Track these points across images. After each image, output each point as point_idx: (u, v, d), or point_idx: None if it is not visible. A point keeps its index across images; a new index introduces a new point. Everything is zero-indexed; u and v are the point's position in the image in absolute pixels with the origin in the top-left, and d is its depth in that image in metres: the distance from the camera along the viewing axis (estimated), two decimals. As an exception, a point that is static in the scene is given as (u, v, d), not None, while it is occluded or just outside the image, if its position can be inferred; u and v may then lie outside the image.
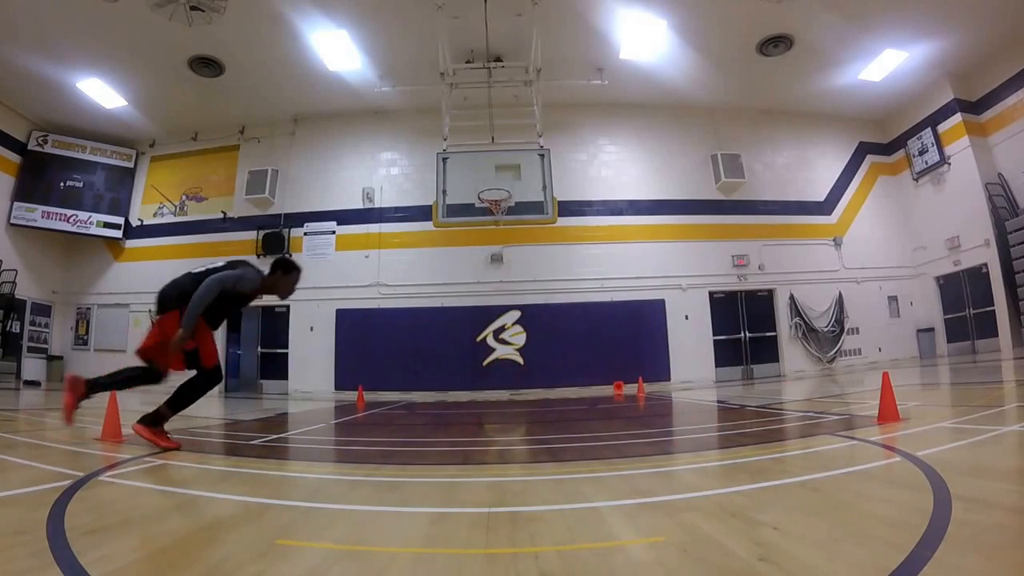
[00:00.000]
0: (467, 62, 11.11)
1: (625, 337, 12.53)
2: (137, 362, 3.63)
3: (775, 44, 11.44)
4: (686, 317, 12.89)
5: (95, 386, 3.67)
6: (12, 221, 12.91)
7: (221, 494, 2.24)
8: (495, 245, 12.92)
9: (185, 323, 3.33)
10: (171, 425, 3.51)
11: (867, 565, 1.22)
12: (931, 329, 13.37)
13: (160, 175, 14.48)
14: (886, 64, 12.10)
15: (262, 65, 11.73)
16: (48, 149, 13.50)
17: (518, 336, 12.56)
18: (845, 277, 13.51)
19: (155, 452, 3.30)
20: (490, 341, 12.53)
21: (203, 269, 3.62)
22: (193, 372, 3.60)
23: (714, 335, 13.00)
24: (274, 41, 10.90)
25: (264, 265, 3.85)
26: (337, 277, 13.08)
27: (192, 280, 3.51)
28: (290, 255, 13.32)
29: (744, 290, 13.43)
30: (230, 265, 3.69)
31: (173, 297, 3.50)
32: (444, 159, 10.09)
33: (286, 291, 3.87)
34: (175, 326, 3.38)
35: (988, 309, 11.87)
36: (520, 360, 12.47)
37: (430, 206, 12.31)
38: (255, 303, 12.02)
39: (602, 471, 2.63)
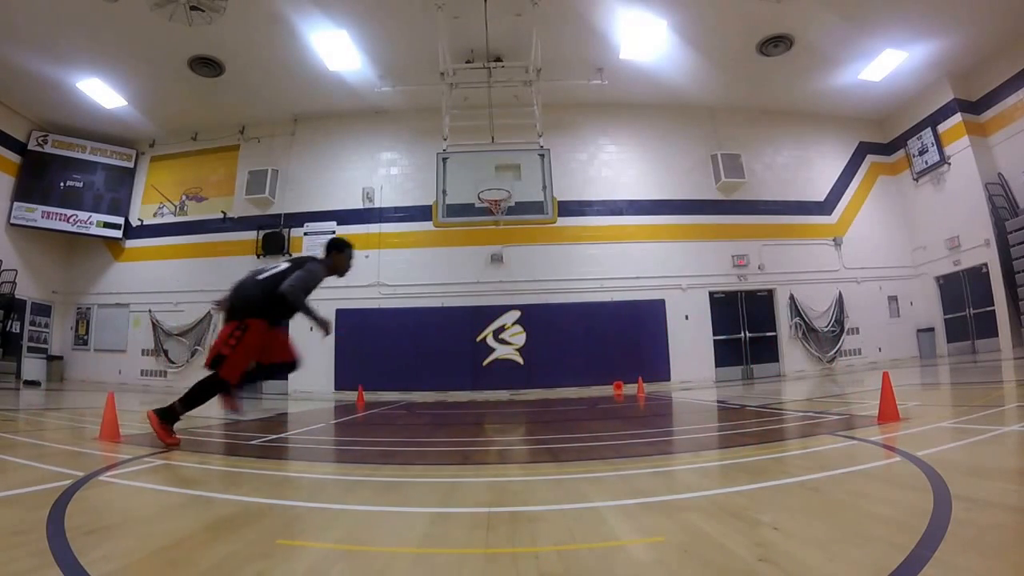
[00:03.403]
0: (467, 62, 11.11)
1: (625, 337, 12.53)
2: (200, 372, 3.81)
3: (775, 44, 11.44)
4: (686, 317, 12.89)
5: (173, 416, 3.63)
6: (12, 221, 12.91)
7: (221, 494, 2.24)
8: (495, 245, 12.92)
9: (315, 319, 3.75)
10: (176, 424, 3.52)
11: (867, 565, 1.22)
12: (931, 329, 13.37)
13: (160, 175, 14.48)
14: (886, 64, 12.09)
15: (262, 65, 11.73)
16: (48, 149, 13.50)
17: (518, 336, 12.56)
18: (845, 277, 13.51)
19: (155, 452, 3.30)
20: (490, 341, 12.53)
21: (269, 275, 3.80)
22: (209, 372, 3.70)
23: (714, 335, 13.00)
24: (274, 41, 10.90)
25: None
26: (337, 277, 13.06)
27: (261, 289, 3.72)
28: (291, 254, 13.32)
29: (744, 290, 13.43)
30: (294, 263, 3.89)
31: (248, 310, 3.67)
32: (444, 159, 10.09)
33: (345, 268, 4.14)
34: (258, 334, 3.63)
35: (988, 309, 11.87)
36: (520, 360, 12.47)
37: (430, 206, 12.30)
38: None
39: (602, 471, 2.63)
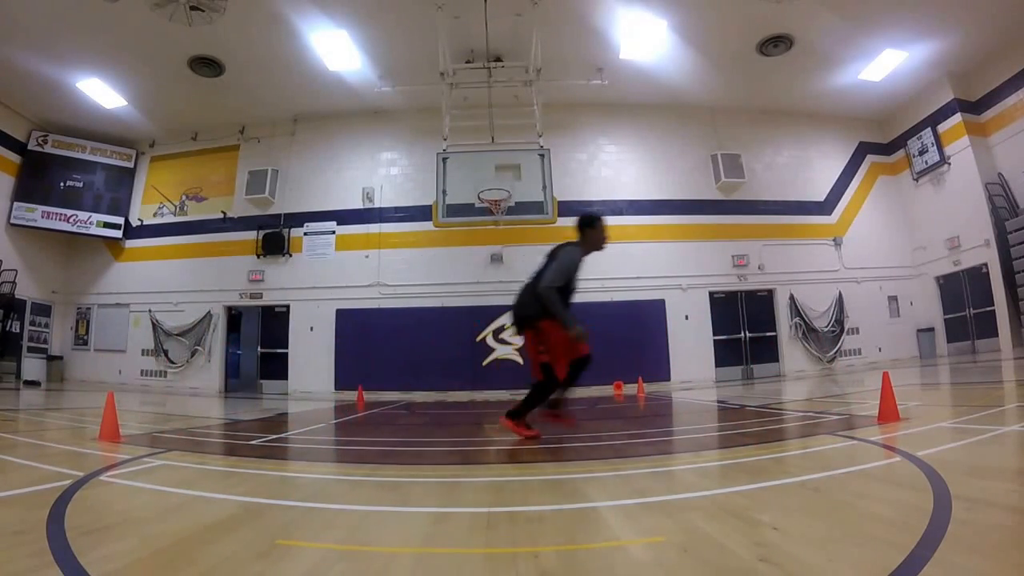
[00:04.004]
0: (467, 62, 11.11)
1: (625, 337, 12.50)
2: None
3: (775, 44, 11.44)
4: (686, 317, 12.88)
5: (520, 414, 3.86)
6: (12, 221, 12.91)
7: (221, 494, 2.24)
8: (495, 245, 12.91)
9: (568, 325, 3.59)
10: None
11: (867, 565, 1.22)
12: (931, 329, 13.37)
13: (160, 175, 14.48)
14: (886, 64, 12.09)
15: (262, 65, 11.72)
16: (48, 149, 13.50)
17: (518, 336, 12.54)
18: (845, 277, 13.51)
19: (155, 452, 3.30)
20: (490, 341, 12.53)
21: (534, 279, 3.82)
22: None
23: (714, 335, 12.99)
24: (274, 41, 10.89)
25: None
26: (337, 277, 13.08)
27: (531, 293, 3.77)
28: (289, 255, 13.33)
29: (744, 290, 13.42)
30: (550, 257, 3.86)
31: (533, 315, 3.75)
32: (444, 159, 10.09)
33: (602, 241, 3.97)
34: (550, 334, 3.65)
35: (988, 309, 11.87)
36: (520, 360, 12.45)
37: (430, 206, 12.31)
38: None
39: (602, 471, 2.63)
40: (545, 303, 3.61)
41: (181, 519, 1.85)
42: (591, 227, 3.93)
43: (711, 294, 13.16)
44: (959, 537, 1.32)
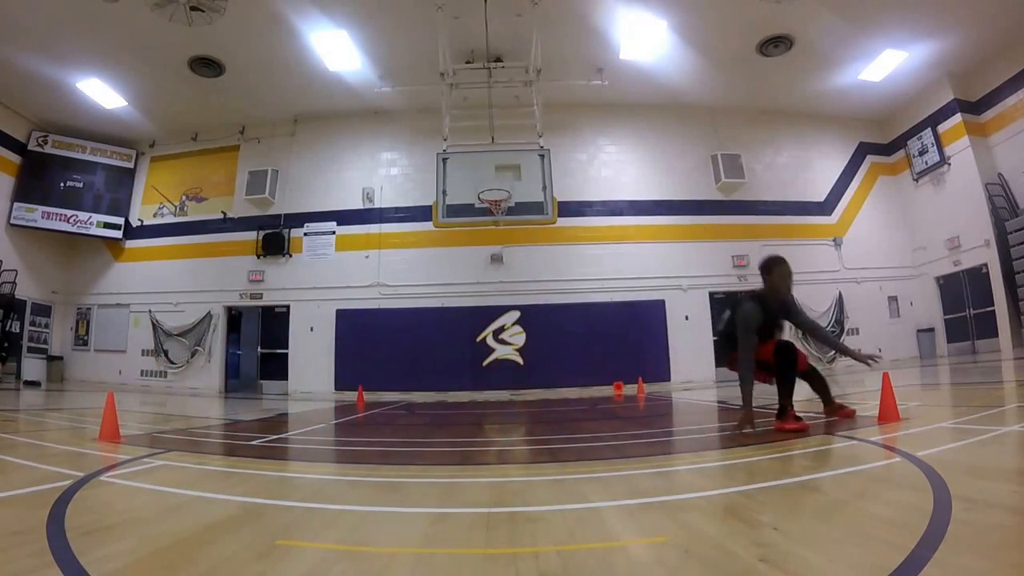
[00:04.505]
0: (467, 62, 11.11)
1: (625, 337, 12.52)
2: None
3: (775, 44, 11.44)
4: (686, 317, 12.88)
5: (784, 410, 3.88)
6: (12, 221, 12.91)
7: (221, 494, 2.24)
8: (495, 245, 12.92)
9: (746, 406, 3.67)
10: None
11: (867, 565, 1.21)
12: (931, 329, 13.37)
13: (160, 175, 14.49)
14: (886, 64, 12.09)
15: (262, 65, 11.72)
16: (48, 149, 13.50)
17: (518, 336, 12.56)
18: (845, 277, 13.50)
19: (155, 452, 3.29)
20: (490, 341, 12.53)
21: (723, 325, 4.12)
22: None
23: (714, 335, 12.98)
24: (274, 41, 10.90)
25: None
26: (337, 277, 13.08)
27: (722, 337, 4.18)
28: (289, 255, 13.33)
29: (744, 290, 13.39)
30: (731, 311, 3.98)
31: (727, 353, 4.02)
32: (444, 159, 10.08)
33: (784, 285, 4.08)
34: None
35: (988, 309, 11.87)
36: (520, 360, 12.46)
37: (430, 206, 12.30)
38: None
39: (602, 471, 2.63)
40: (743, 374, 3.73)
41: (181, 519, 1.85)
42: (770, 273, 4.02)
43: (711, 294, 13.15)
44: (959, 537, 1.32)
